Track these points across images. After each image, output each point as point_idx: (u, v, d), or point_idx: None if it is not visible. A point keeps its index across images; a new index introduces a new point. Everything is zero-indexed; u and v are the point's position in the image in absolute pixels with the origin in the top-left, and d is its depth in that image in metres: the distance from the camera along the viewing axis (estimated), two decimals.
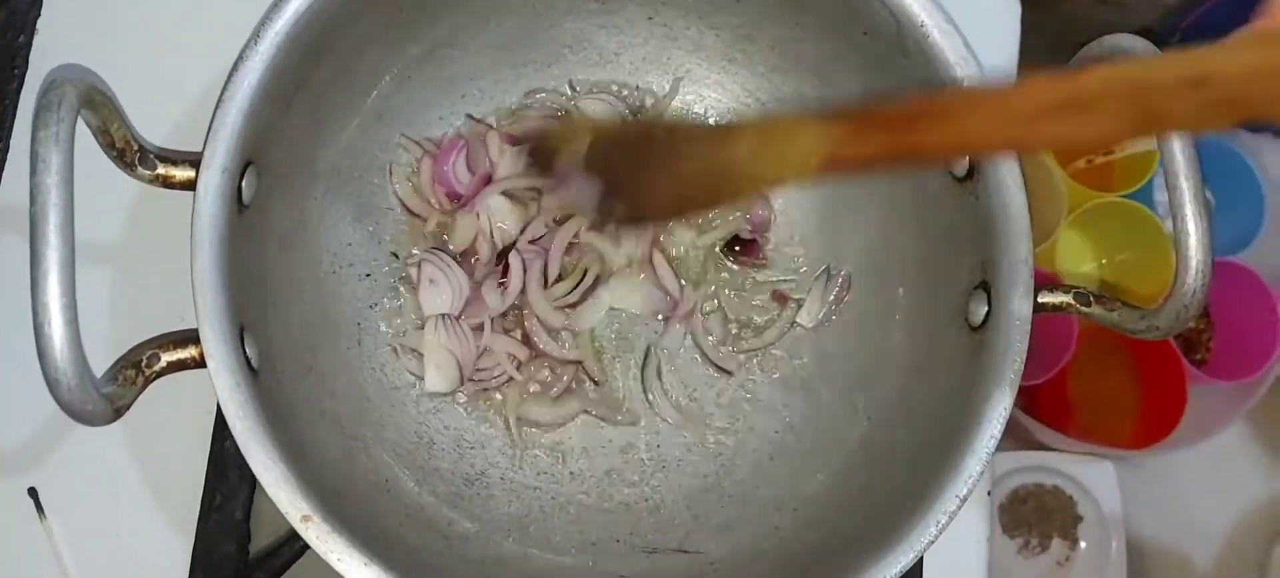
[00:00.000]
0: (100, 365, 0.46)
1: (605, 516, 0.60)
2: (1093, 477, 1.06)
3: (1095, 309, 0.53)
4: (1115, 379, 1.06)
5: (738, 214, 0.64)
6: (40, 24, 0.64)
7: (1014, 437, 1.07)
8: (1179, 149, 0.49)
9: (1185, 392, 0.98)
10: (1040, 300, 0.53)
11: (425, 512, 0.56)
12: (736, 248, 0.64)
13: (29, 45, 0.64)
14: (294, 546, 0.61)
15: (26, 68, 0.64)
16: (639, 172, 0.48)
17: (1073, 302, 0.53)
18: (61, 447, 0.61)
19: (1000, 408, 0.51)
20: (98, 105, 0.44)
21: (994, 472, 0.94)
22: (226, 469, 0.61)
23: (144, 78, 0.61)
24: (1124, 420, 1.06)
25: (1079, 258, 1.05)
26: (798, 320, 0.63)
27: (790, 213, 0.64)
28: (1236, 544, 1.11)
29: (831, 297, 0.62)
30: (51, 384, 0.40)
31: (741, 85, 0.64)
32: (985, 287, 0.54)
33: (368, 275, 0.60)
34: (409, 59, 0.59)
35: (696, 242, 0.63)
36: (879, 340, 0.61)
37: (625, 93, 0.64)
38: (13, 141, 0.63)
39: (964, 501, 0.50)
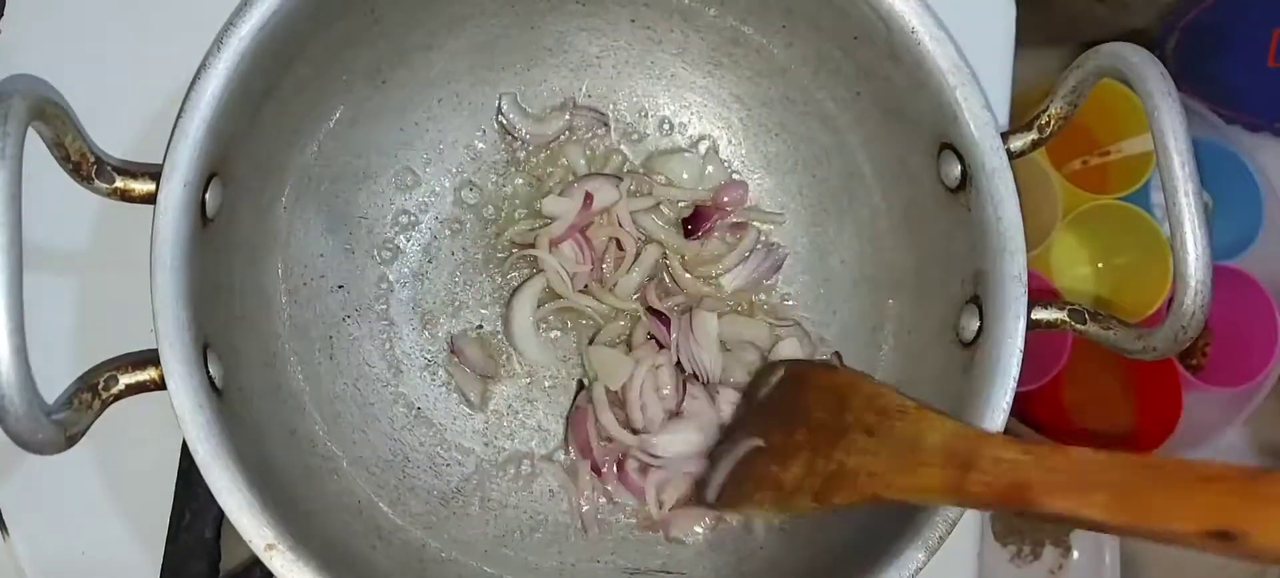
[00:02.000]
0: (63, 383, 0.44)
1: (585, 538, 0.58)
2: None
3: (1091, 327, 0.52)
4: (1110, 385, 1.04)
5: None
6: (0, 28, 0.62)
7: None
8: (1177, 160, 0.47)
9: (1181, 398, 0.97)
10: (1034, 317, 0.51)
11: (399, 534, 0.55)
12: (688, 225, 0.62)
13: None
14: (265, 567, 0.59)
15: None
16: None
17: (1067, 319, 0.52)
18: (25, 461, 0.59)
19: (993, 424, 0.50)
20: (50, 117, 0.42)
21: None
22: (196, 487, 0.59)
23: (109, 87, 0.60)
24: (1119, 427, 1.04)
25: (1074, 261, 1.04)
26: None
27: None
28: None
29: (805, 351, 0.61)
30: None
31: (728, 90, 0.62)
32: (977, 302, 0.52)
33: (341, 287, 0.58)
34: (383, 63, 0.57)
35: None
36: (868, 355, 0.59)
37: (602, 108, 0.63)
38: None
39: (954, 524, 0.49)
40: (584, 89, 0.62)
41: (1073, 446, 0.42)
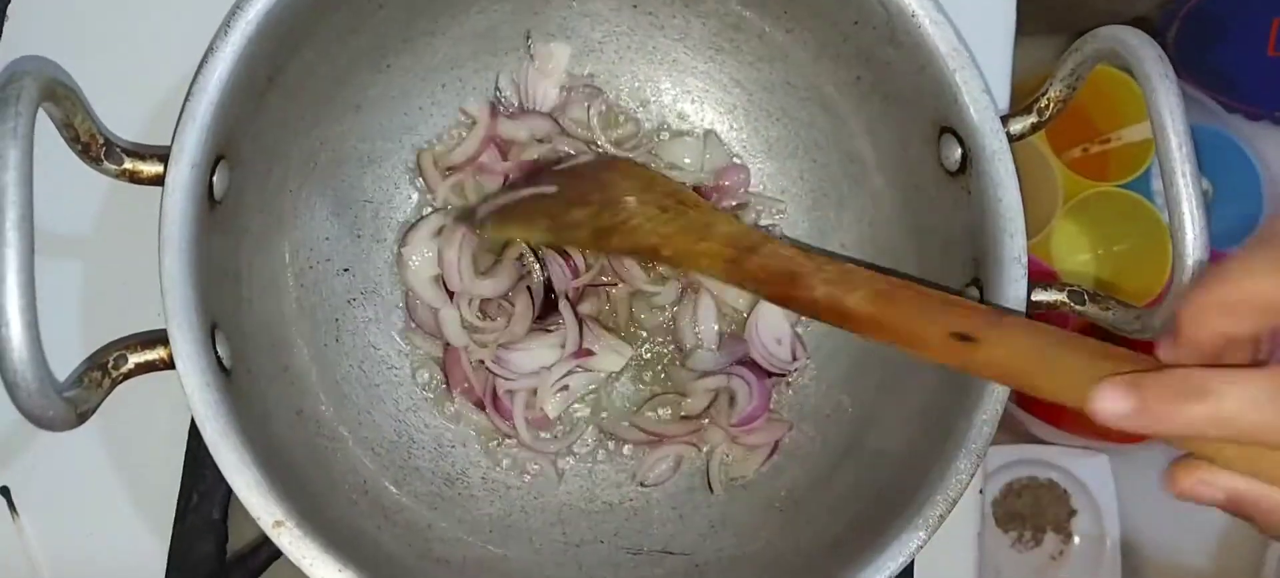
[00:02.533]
0: (73, 362, 0.45)
1: (589, 516, 0.59)
2: (1087, 471, 1.05)
3: (1090, 308, 0.52)
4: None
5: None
6: (9, 10, 0.63)
7: (1007, 430, 1.06)
8: (1174, 140, 0.47)
9: None
10: (1033, 299, 0.51)
11: (404, 514, 0.55)
12: None
13: None
14: (272, 546, 0.59)
15: None
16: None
17: (1067, 300, 0.52)
18: (34, 444, 0.60)
19: (991, 410, 0.50)
20: (60, 98, 0.42)
21: (986, 467, 0.93)
22: (203, 468, 0.60)
23: (116, 68, 0.60)
24: None
25: (1075, 248, 1.04)
26: None
27: (776, 207, 0.63)
28: (1232, 539, 1.10)
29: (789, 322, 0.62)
30: (10, 389, 0.39)
31: (728, 75, 0.62)
32: (978, 284, 0.53)
33: (346, 270, 0.59)
34: (387, 48, 0.57)
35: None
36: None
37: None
38: None
39: (954, 504, 0.49)
40: (586, 73, 0.63)
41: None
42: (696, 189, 0.62)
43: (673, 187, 0.56)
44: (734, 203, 0.62)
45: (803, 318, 0.62)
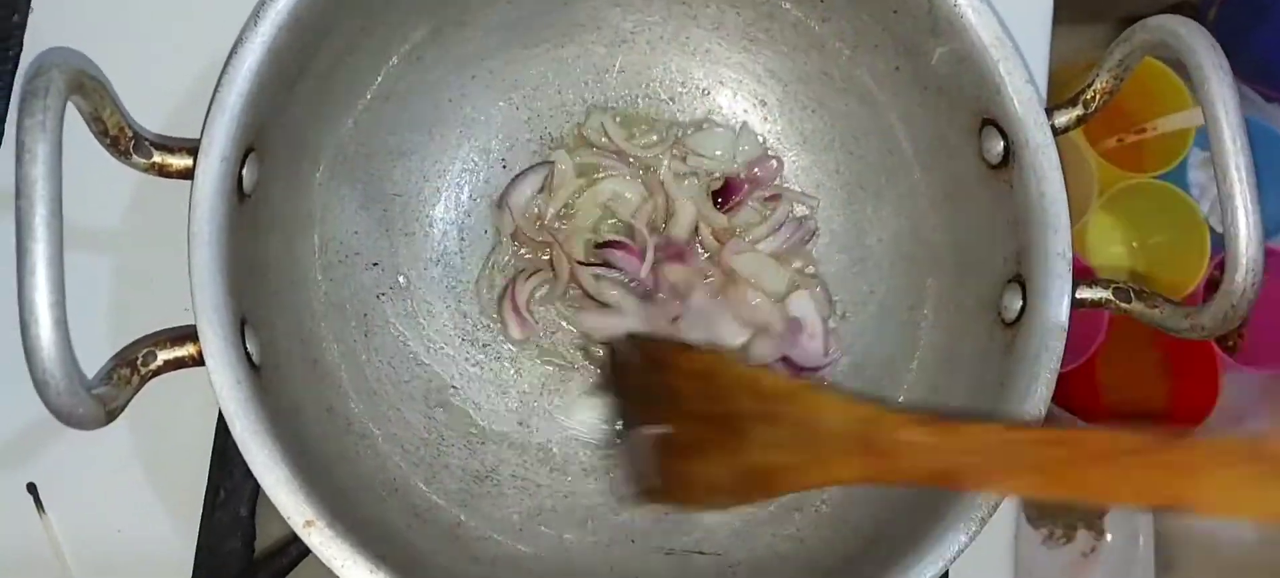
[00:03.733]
0: (100, 359, 0.44)
1: (619, 515, 0.58)
2: None
3: (1136, 305, 0.51)
4: (1146, 367, 1.03)
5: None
6: (35, 2, 0.62)
7: None
8: (1228, 133, 0.46)
9: (1218, 380, 0.96)
10: (1078, 296, 0.50)
11: (434, 512, 0.54)
12: (718, 198, 0.61)
13: (23, 25, 0.61)
14: (301, 544, 0.58)
15: (21, 49, 0.61)
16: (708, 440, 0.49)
17: (1112, 298, 0.51)
18: (61, 441, 0.59)
19: (1036, 408, 0.49)
20: (88, 91, 0.41)
21: None
22: (231, 464, 0.59)
23: (143, 61, 0.59)
24: (1154, 409, 1.03)
25: (1109, 240, 1.03)
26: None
27: (809, 202, 0.62)
28: (1269, 538, 1.08)
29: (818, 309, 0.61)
30: (40, 387, 0.38)
31: (763, 66, 0.61)
32: (1020, 280, 0.52)
33: (375, 264, 0.58)
34: (417, 39, 0.56)
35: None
36: (907, 335, 0.59)
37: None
38: (8, 125, 0.61)
39: (995, 507, 0.48)
40: (618, 65, 0.62)
41: (991, 423, 0.44)
42: (727, 181, 0.61)
43: (737, 372, 0.52)
44: (767, 194, 0.61)
45: (836, 313, 0.61)
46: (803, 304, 0.60)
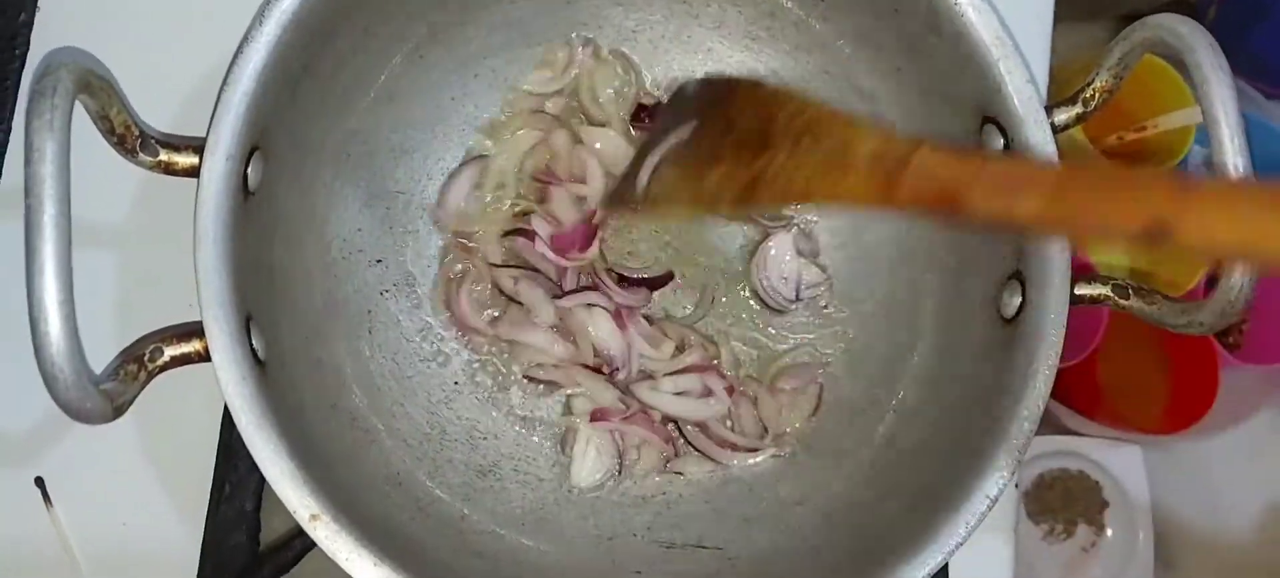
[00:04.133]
0: (108, 355, 0.45)
1: (621, 509, 0.59)
2: (1120, 462, 1.04)
3: (1134, 302, 0.51)
4: (1145, 363, 1.04)
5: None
6: (41, 2, 0.62)
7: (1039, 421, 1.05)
8: (1227, 132, 0.46)
9: (1217, 376, 0.96)
10: (1076, 292, 0.51)
11: (438, 506, 0.55)
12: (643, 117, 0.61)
13: (30, 24, 0.62)
14: (305, 538, 0.59)
15: (28, 48, 0.62)
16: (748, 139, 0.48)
17: (1110, 294, 0.51)
18: (68, 436, 0.60)
19: (1033, 405, 0.49)
20: (96, 90, 0.42)
21: None
22: (236, 459, 0.60)
23: (149, 60, 0.60)
24: (1153, 405, 1.03)
25: None
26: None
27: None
28: (1267, 532, 1.09)
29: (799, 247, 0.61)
30: (48, 382, 0.39)
31: (765, 65, 0.61)
32: (1019, 277, 0.52)
33: (379, 261, 0.59)
34: (419, 39, 0.57)
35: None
36: (907, 330, 0.59)
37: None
38: (15, 123, 0.62)
39: (994, 501, 0.49)
40: (620, 64, 0.62)
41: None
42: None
43: (796, 101, 0.50)
44: None
45: (820, 261, 0.62)
46: (779, 244, 0.60)
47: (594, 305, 0.59)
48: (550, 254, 0.59)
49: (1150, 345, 1.03)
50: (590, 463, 0.58)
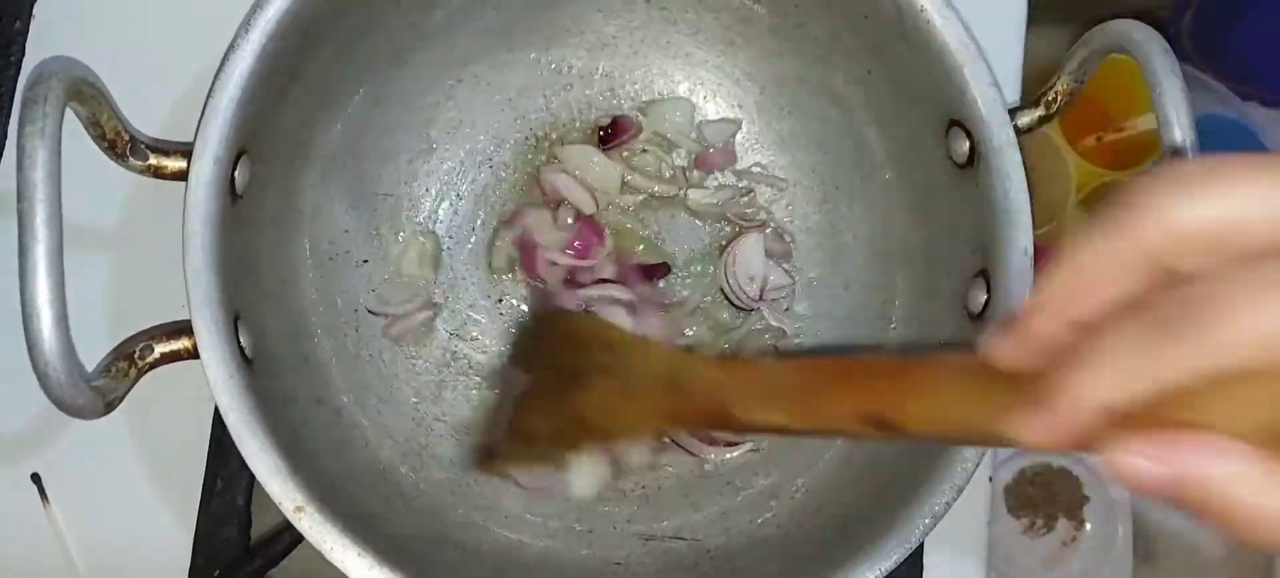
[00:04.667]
0: (100, 352, 0.46)
1: (602, 502, 0.60)
2: (1094, 462, 1.05)
3: None
4: None
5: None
6: (36, 10, 0.64)
7: None
8: (1180, 133, 0.48)
9: None
10: None
11: (422, 499, 0.56)
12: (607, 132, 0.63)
13: (25, 32, 0.63)
14: (295, 531, 0.60)
15: (23, 55, 0.63)
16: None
17: None
18: (64, 433, 0.62)
19: None
20: (86, 97, 0.43)
21: (999, 454, 0.94)
22: (227, 455, 0.61)
23: (141, 66, 0.61)
24: None
25: None
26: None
27: (790, 195, 0.64)
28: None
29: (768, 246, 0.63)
30: (41, 379, 0.40)
31: (741, 69, 0.63)
32: (985, 275, 0.53)
33: (365, 262, 0.60)
34: (404, 44, 0.58)
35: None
36: (879, 329, 0.61)
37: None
38: (10, 129, 0.63)
39: (960, 491, 0.50)
40: (601, 69, 0.63)
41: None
42: (614, 120, 0.63)
43: (600, 332, 0.54)
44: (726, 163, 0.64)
45: (791, 261, 0.63)
46: (748, 245, 0.62)
47: (614, 300, 0.60)
48: (564, 258, 0.61)
49: None
50: (587, 475, 0.60)
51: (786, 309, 0.63)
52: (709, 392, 0.45)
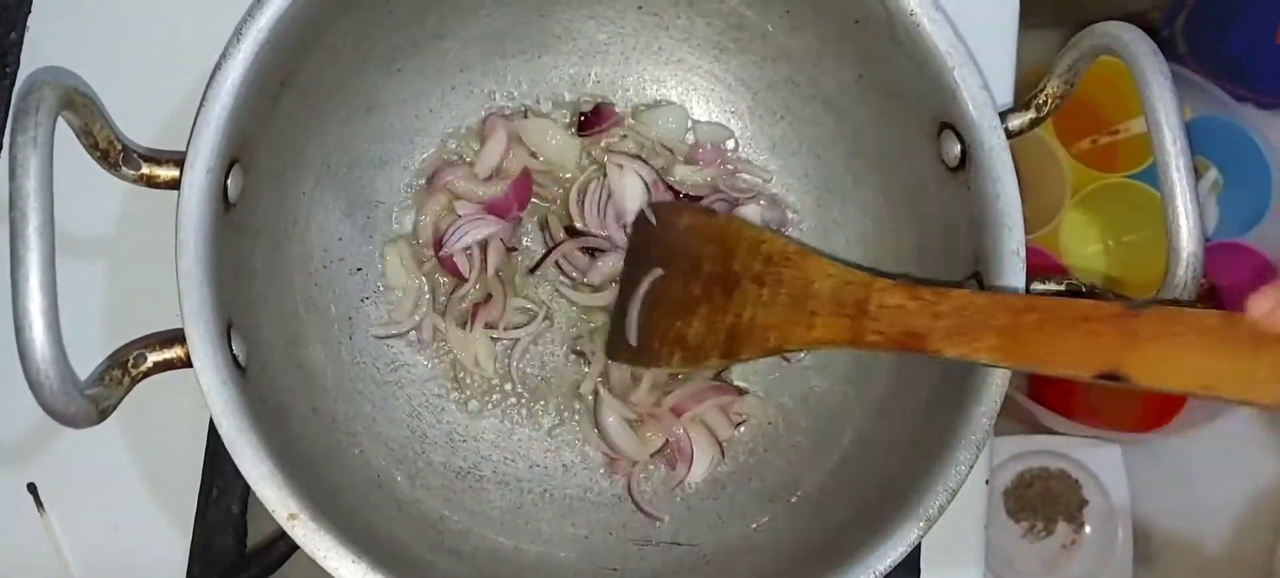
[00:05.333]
0: (95, 361, 0.46)
1: (598, 508, 0.60)
2: (1099, 461, 1.05)
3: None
4: None
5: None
6: (30, 21, 0.64)
7: (1019, 420, 1.07)
8: (1168, 135, 0.48)
9: None
10: (1032, 289, 0.52)
11: (417, 506, 0.57)
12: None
13: (20, 43, 0.64)
14: (290, 539, 0.61)
15: (18, 65, 0.64)
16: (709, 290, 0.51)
17: (1065, 294, 0.53)
18: (60, 442, 0.62)
19: (990, 403, 0.51)
20: (78, 107, 0.44)
21: (995, 457, 0.94)
22: (223, 463, 0.61)
23: (136, 75, 0.62)
24: (1131, 403, 1.05)
25: (1084, 240, 1.04)
26: None
27: (785, 202, 0.64)
28: (1246, 529, 1.10)
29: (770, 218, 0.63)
30: (34, 388, 0.40)
31: (733, 75, 0.63)
32: (977, 278, 0.54)
33: (359, 270, 0.60)
34: (397, 51, 0.58)
35: None
36: None
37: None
38: (5, 139, 0.63)
39: (954, 494, 0.50)
40: (593, 75, 0.64)
41: (962, 289, 0.46)
42: (598, 106, 0.63)
43: (750, 234, 0.54)
44: (719, 164, 0.64)
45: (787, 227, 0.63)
46: (747, 214, 0.62)
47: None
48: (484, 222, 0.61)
49: None
50: (704, 461, 0.60)
51: None
52: (896, 317, 0.45)
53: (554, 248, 0.61)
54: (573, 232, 0.62)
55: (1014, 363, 0.43)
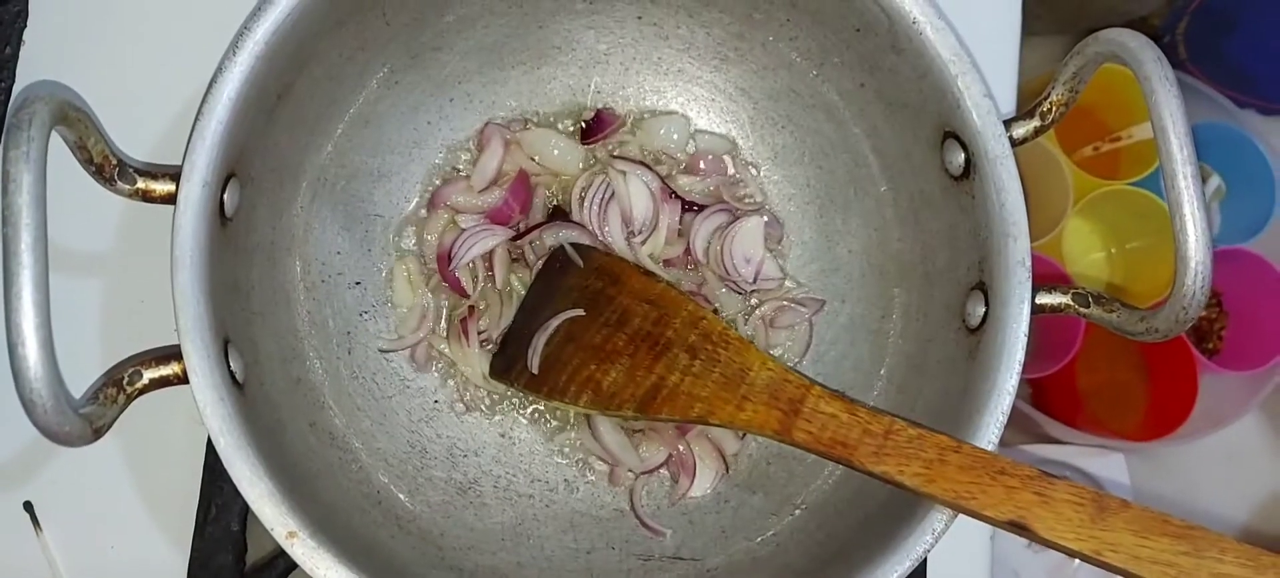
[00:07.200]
0: (89, 378, 0.46)
1: (600, 523, 0.59)
2: (1103, 469, 1.04)
3: (1094, 310, 0.52)
4: (1125, 370, 1.05)
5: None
6: (26, 35, 0.64)
7: (1023, 430, 1.06)
8: (1175, 141, 0.47)
9: (1196, 382, 0.97)
10: (1038, 302, 0.52)
11: (417, 523, 0.56)
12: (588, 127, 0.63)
13: (15, 57, 0.63)
14: (289, 557, 0.60)
15: (14, 79, 0.63)
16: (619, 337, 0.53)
17: (1071, 303, 0.52)
18: (56, 460, 0.61)
19: (998, 412, 0.50)
20: (73, 121, 0.43)
21: None
22: (221, 480, 0.61)
23: (133, 89, 0.61)
24: (1134, 412, 1.04)
25: (1087, 247, 1.04)
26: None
27: (785, 212, 0.64)
28: (1249, 537, 1.09)
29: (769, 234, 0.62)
30: (27, 407, 0.40)
31: (735, 84, 0.63)
32: (982, 287, 0.53)
33: (358, 283, 0.60)
34: (395, 64, 0.58)
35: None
36: (876, 343, 0.60)
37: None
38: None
39: (955, 516, 0.50)
40: (593, 86, 0.63)
41: (897, 418, 0.49)
42: (598, 113, 0.63)
43: (690, 309, 0.55)
44: (720, 174, 0.63)
45: (781, 249, 0.63)
46: (749, 227, 0.61)
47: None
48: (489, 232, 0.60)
49: (1129, 353, 1.04)
50: (707, 474, 0.60)
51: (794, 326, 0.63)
52: (828, 424, 0.49)
53: (534, 228, 0.61)
54: (562, 215, 0.62)
55: (932, 494, 0.46)
